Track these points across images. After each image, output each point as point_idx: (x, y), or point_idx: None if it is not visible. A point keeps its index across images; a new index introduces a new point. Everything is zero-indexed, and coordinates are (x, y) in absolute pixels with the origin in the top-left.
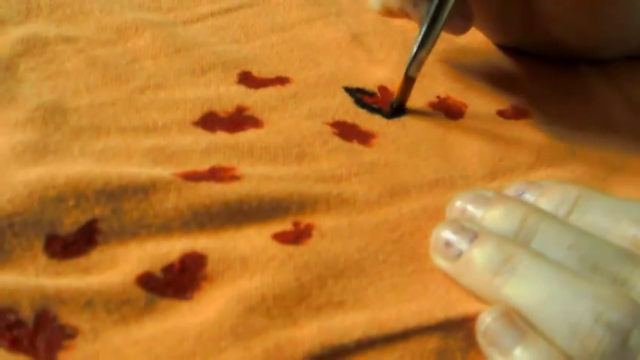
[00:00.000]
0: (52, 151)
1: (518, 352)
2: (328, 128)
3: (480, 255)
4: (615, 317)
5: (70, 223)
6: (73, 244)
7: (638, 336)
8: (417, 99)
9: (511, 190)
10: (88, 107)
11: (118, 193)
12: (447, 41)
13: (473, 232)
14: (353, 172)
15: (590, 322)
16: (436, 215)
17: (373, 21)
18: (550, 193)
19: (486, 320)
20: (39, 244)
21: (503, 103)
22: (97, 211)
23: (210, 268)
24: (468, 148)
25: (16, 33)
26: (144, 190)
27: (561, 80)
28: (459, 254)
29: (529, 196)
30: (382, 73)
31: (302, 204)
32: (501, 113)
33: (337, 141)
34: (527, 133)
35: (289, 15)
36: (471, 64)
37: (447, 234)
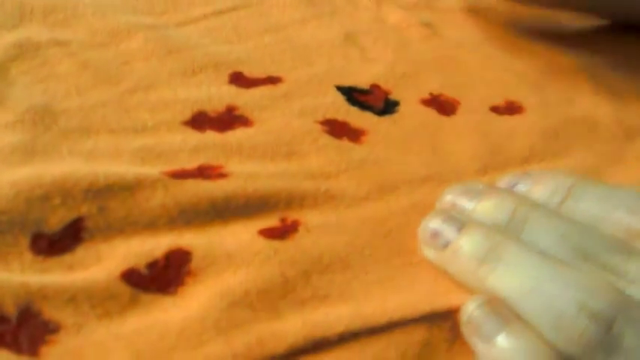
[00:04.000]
0: (40, 152)
1: (500, 339)
2: (318, 126)
3: (466, 244)
4: (599, 306)
5: (56, 221)
6: (58, 241)
7: (622, 325)
8: (410, 96)
9: (504, 182)
10: (77, 109)
11: (104, 192)
12: (440, 36)
13: (460, 222)
14: (342, 169)
15: (574, 312)
16: (425, 211)
17: (368, 20)
18: (543, 182)
19: (469, 309)
20: (24, 242)
21: (497, 98)
22: (83, 210)
23: (194, 263)
24: (460, 143)
25: (9, 37)
26: (130, 188)
27: (558, 74)
28: (447, 244)
29: (522, 187)
30: (376, 70)
31: (289, 200)
32: (495, 109)
33: (327, 139)
34: (522, 128)
35: (282, 16)
36: (465, 59)
37: (435, 224)
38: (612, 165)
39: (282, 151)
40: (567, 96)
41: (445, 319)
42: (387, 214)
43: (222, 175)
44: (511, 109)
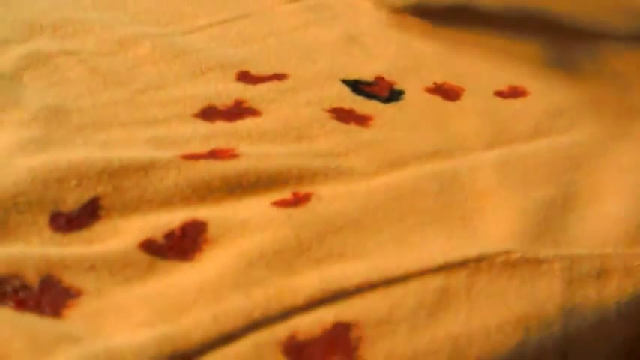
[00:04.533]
0: (55, 143)
1: None
2: (326, 114)
3: None
4: None
5: (73, 201)
6: (76, 218)
7: None
8: (414, 85)
9: None
10: (90, 107)
11: (118, 173)
12: (441, 30)
13: None
14: (351, 149)
15: None
16: (436, 179)
17: (369, 23)
18: None
19: None
20: (44, 220)
21: (500, 84)
22: (99, 190)
23: (210, 232)
24: (465, 124)
25: (20, 50)
26: (144, 169)
27: (562, 57)
28: None
29: None
30: (379, 65)
31: (300, 176)
32: (499, 94)
33: (335, 124)
34: (526, 109)
35: (286, 22)
36: (467, 49)
37: None
38: (618, 140)
39: (292, 135)
40: (571, 79)
41: (461, 268)
42: (398, 181)
43: (233, 156)
44: (515, 93)
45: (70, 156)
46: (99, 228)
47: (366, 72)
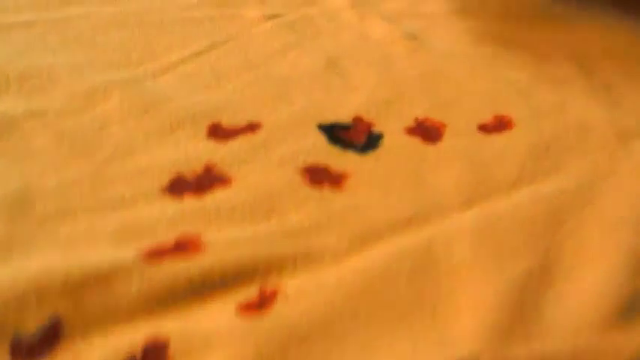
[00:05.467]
0: (17, 244)
1: None
2: (298, 176)
3: None
4: None
5: (34, 322)
6: (37, 345)
7: None
8: (394, 123)
9: None
10: (55, 190)
11: (80, 286)
12: (426, 49)
13: None
14: (322, 223)
15: None
16: (409, 255)
17: (351, 39)
18: None
19: None
20: (4, 349)
21: (485, 113)
22: (60, 307)
23: (172, 349)
24: (444, 174)
25: None
26: (106, 278)
27: (550, 74)
28: None
29: None
30: (358, 100)
31: (268, 268)
32: (483, 128)
33: (307, 190)
34: (511, 146)
35: (263, 48)
36: (452, 73)
37: None
38: (605, 178)
39: (262, 210)
40: (559, 100)
41: None
42: (369, 264)
43: (199, 249)
44: (500, 125)
45: (31, 267)
46: (60, 355)
47: (343, 110)
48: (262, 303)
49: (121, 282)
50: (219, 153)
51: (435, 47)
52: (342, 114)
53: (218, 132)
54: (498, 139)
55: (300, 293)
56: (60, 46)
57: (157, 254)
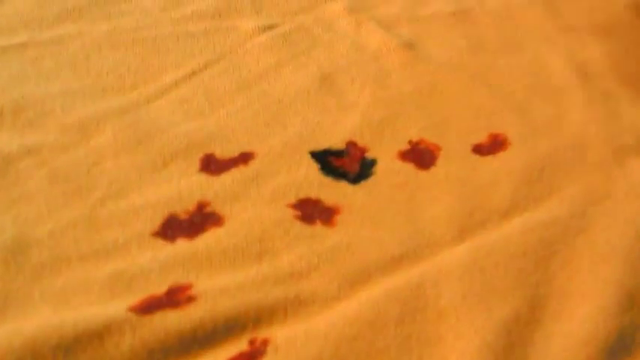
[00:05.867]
0: (13, 300)
1: None
2: (290, 213)
3: None
4: None
5: None
6: None
7: None
8: (388, 147)
9: None
10: (49, 237)
11: (73, 345)
12: (422, 59)
13: None
14: (313, 264)
15: None
16: (399, 297)
17: (346, 51)
18: None
19: None
20: None
21: (480, 132)
22: None
23: None
24: (437, 205)
25: None
26: (99, 335)
27: (547, 86)
28: None
29: None
30: (352, 121)
31: (258, 317)
32: (477, 149)
33: (298, 228)
34: (505, 170)
35: (257, 65)
36: (448, 86)
37: None
38: (600, 202)
39: (253, 252)
40: (556, 114)
41: None
42: (359, 309)
43: (190, 299)
44: (495, 144)
45: (26, 327)
46: None
47: (337, 134)
48: (252, 355)
49: (114, 338)
50: (212, 188)
51: (431, 57)
52: (336, 138)
53: (211, 165)
54: (493, 162)
55: (289, 344)
56: (54, 72)
57: (148, 307)
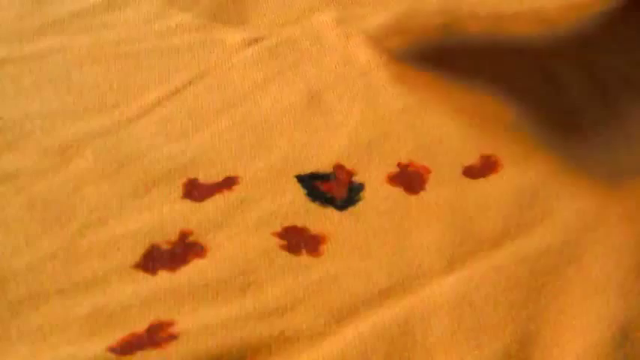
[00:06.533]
0: None
1: None
2: (275, 242)
3: None
4: None
5: None
6: None
7: None
8: (377, 170)
9: None
10: (27, 270)
11: None
12: (412, 75)
13: None
14: (299, 298)
15: None
16: (385, 334)
17: (334, 66)
18: None
19: None
20: None
21: (471, 154)
22: None
23: None
24: (426, 233)
25: None
26: None
27: (539, 101)
28: None
29: None
30: (339, 143)
31: (242, 357)
32: (468, 172)
33: (284, 258)
34: (496, 194)
35: (243, 81)
36: (439, 104)
37: None
38: (594, 229)
39: (237, 285)
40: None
41: None
42: (343, 350)
43: (172, 337)
44: (486, 167)
45: None
46: None
47: (324, 156)
48: None
49: None
50: (195, 216)
51: (420, 71)
52: (323, 161)
53: (194, 191)
54: (484, 186)
55: None
56: (33, 90)
57: (129, 347)
